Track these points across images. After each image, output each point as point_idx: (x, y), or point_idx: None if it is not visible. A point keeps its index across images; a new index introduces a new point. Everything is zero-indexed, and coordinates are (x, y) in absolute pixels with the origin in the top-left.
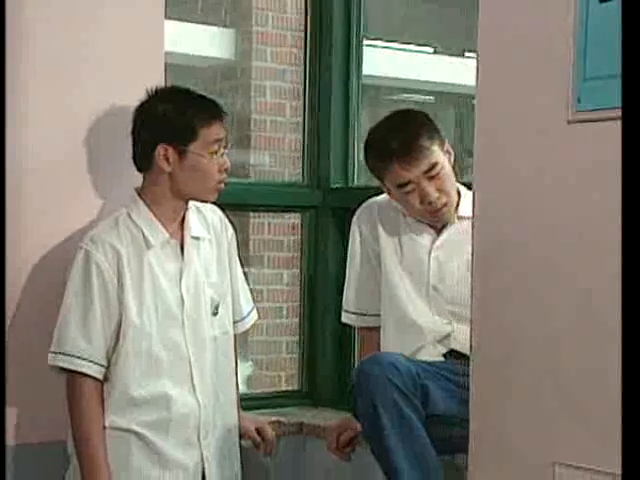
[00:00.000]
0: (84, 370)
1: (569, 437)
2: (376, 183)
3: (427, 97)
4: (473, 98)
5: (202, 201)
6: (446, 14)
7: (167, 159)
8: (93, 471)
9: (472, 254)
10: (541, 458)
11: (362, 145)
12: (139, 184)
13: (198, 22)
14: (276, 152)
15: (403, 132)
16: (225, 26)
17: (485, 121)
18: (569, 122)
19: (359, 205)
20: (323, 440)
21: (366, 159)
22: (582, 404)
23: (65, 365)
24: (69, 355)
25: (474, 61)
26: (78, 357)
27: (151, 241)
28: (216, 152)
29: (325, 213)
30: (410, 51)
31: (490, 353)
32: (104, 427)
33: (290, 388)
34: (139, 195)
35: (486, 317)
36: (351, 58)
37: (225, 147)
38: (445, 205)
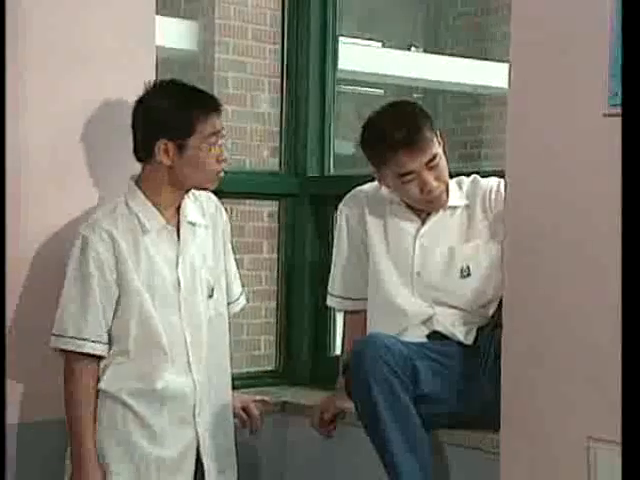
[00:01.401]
0: (85, 350)
1: (603, 411)
2: (351, 172)
3: (376, 90)
4: (420, 91)
5: (202, 189)
6: (394, 9)
7: (167, 153)
8: (79, 454)
9: (504, 235)
10: (575, 432)
11: (336, 135)
12: (136, 172)
13: (161, 14)
14: (237, 141)
15: (408, 123)
16: (188, 18)
17: (519, 111)
18: (605, 115)
19: (335, 193)
20: (305, 418)
21: (365, 147)
22: (616, 379)
23: (67, 347)
24: (70, 337)
25: (420, 55)
26: (79, 338)
27: (147, 227)
28: (214, 144)
29: (302, 201)
30: (359, 45)
31: (522, 329)
32: (103, 391)
33: (258, 369)
34: (136, 184)
35: (517, 296)
36: (327, 52)
37: (222, 137)
38: (442, 192)
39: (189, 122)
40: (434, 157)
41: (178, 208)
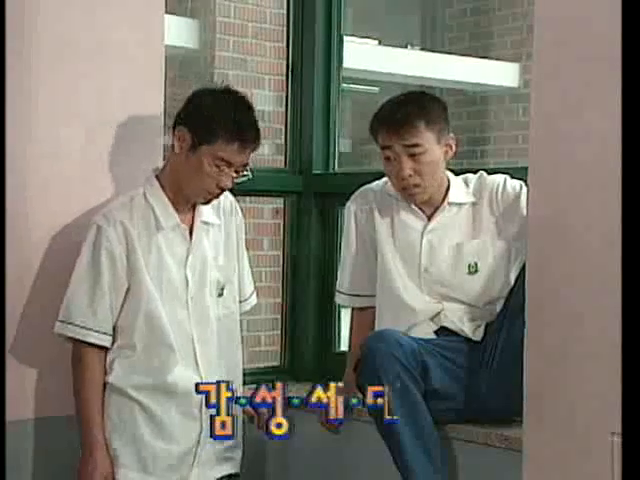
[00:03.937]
0: (90, 340)
1: None
2: (356, 169)
3: (372, 88)
4: (416, 89)
5: (191, 200)
6: (391, 7)
7: (181, 142)
8: (88, 440)
9: (527, 227)
10: (598, 428)
11: (341, 134)
12: (152, 166)
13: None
14: None
15: (402, 104)
16: (189, 16)
17: (542, 108)
18: None
19: (339, 190)
20: (311, 413)
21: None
22: None
23: (72, 334)
24: (76, 325)
25: (417, 53)
26: (84, 327)
27: (162, 223)
28: (220, 168)
29: (307, 198)
30: (355, 43)
31: (547, 326)
32: (110, 385)
33: (262, 365)
34: (157, 177)
35: (542, 293)
36: (332, 49)
37: (237, 172)
38: (418, 186)
39: (214, 133)
40: (415, 145)
41: (193, 207)
